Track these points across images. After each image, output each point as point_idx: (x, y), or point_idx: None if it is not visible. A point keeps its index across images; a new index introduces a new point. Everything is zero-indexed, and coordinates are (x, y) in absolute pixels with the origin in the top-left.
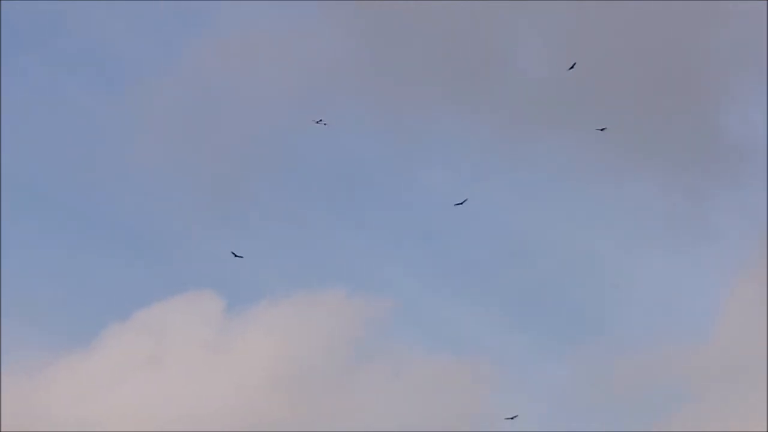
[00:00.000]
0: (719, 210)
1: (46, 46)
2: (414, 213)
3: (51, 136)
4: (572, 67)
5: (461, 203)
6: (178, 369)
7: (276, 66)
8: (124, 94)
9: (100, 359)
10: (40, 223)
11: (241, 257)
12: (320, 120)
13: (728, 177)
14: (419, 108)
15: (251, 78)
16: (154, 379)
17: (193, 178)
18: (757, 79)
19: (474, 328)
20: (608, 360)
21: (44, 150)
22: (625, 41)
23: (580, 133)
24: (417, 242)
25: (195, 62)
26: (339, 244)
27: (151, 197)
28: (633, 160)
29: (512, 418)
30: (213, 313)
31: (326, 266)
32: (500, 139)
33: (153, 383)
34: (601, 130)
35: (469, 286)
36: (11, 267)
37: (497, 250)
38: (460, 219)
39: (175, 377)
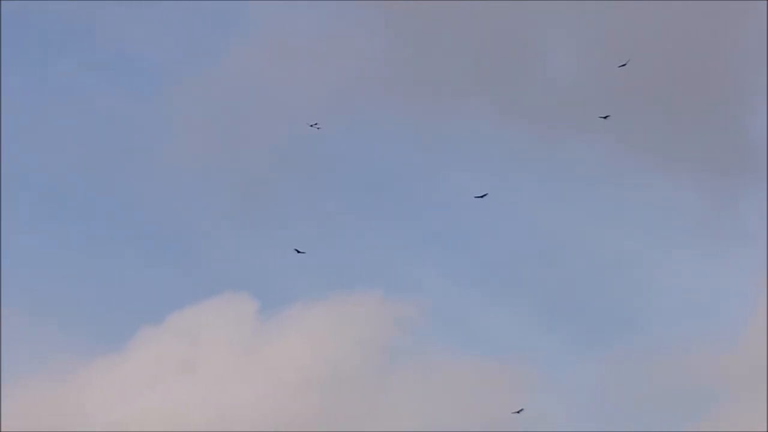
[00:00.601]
0: (749, 211)
1: (79, 49)
2: (445, 214)
3: (88, 140)
4: (625, 65)
5: (482, 196)
6: (211, 372)
7: (307, 69)
8: (156, 98)
9: (134, 362)
10: (73, 225)
11: (304, 252)
12: (315, 123)
13: (757, 178)
14: (449, 110)
15: (283, 81)
16: (187, 382)
17: (226, 181)
18: None
19: (506, 329)
20: (639, 361)
21: (79, 154)
22: (653, 43)
23: (609, 134)
24: (448, 244)
25: (227, 66)
26: (371, 247)
27: (184, 200)
28: (662, 162)
29: (518, 412)
30: (247, 315)
31: (359, 269)
32: (530, 141)
33: (186, 386)
34: (604, 117)
35: (501, 287)
36: (46, 270)
37: (529, 251)
38: (491, 220)
39: (208, 380)
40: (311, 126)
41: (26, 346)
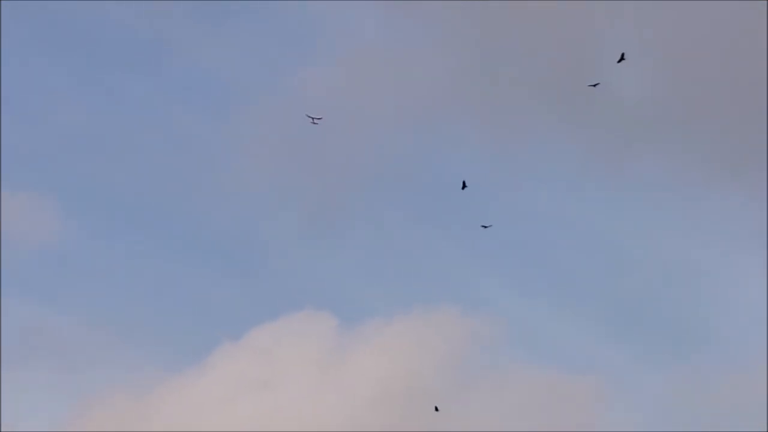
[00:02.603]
0: None
1: (155, 71)
2: (518, 229)
3: (167, 158)
4: (623, 59)
5: (464, 187)
6: (290, 387)
7: (378, 86)
8: (231, 116)
9: (213, 378)
10: (154, 243)
11: (490, 226)
12: (317, 118)
13: None
14: (520, 124)
15: (356, 99)
16: (265, 398)
17: (304, 199)
18: None
19: (580, 343)
20: (711, 375)
21: (157, 172)
22: (720, 55)
23: (676, 146)
24: (521, 258)
25: (301, 85)
26: (446, 262)
27: (262, 219)
28: (731, 172)
29: (436, 410)
30: (325, 331)
31: (435, 284)
32: (600, 154)
33: (264, 402)
34: (594, 85)
35: (575, 301)
36: (128, 285)
37: (602, 265)
38: (563, 234)
39: (287, 395)
40: (311, 119)
41: (108, 360)
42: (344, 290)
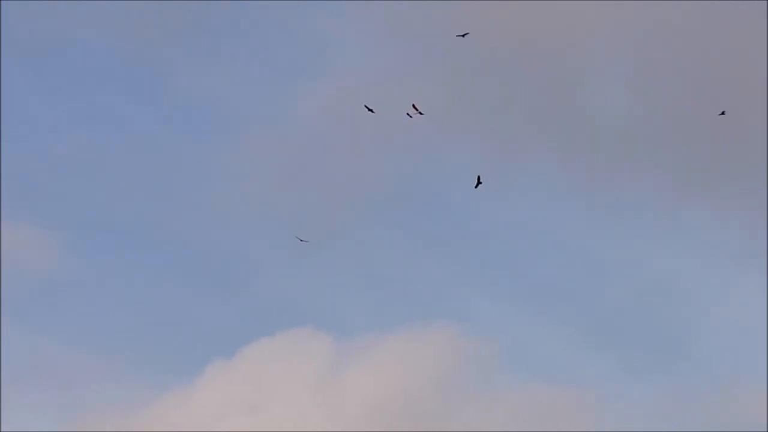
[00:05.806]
0: None
1: (152, 96)
2: (506, 248)
3: (161, 182)
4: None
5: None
6: (281, 407)
7: (378, 113)
8: (225, 140)
9: (204, 396)
10: (146, 264)
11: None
12: (419, 112)
13: None
14: (511, 146)
15: (348, 120)
16: (256, 417)
17: (296, 218)
18: None
19: (570, 358)
20: (702, 385)
21: (151, 195)
22: (699, 74)
23: (657, 164)
24: (509, 276)
25: (295, 106)
26: (434, 279)
27: (254, 238)
28: (712, 189)
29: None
30: (318, 349)
31: (429, 303)
32: (581, 172)
33: (256, 421)
34: (463, 35)
35: (563, 316)
36: (119, 305)
37: (588, 280)
38: (550, 252)
39: (278, 413)
40: (416, 110)
41: (98, 380)
42: (336, 309)
